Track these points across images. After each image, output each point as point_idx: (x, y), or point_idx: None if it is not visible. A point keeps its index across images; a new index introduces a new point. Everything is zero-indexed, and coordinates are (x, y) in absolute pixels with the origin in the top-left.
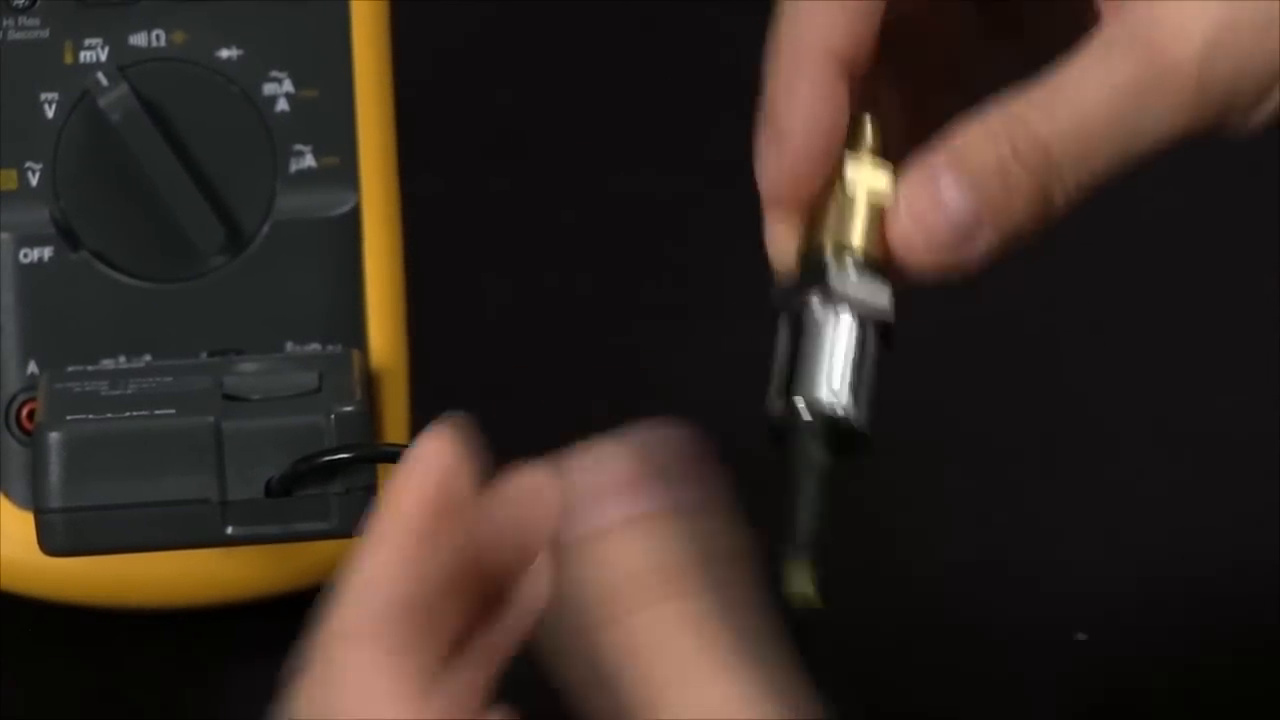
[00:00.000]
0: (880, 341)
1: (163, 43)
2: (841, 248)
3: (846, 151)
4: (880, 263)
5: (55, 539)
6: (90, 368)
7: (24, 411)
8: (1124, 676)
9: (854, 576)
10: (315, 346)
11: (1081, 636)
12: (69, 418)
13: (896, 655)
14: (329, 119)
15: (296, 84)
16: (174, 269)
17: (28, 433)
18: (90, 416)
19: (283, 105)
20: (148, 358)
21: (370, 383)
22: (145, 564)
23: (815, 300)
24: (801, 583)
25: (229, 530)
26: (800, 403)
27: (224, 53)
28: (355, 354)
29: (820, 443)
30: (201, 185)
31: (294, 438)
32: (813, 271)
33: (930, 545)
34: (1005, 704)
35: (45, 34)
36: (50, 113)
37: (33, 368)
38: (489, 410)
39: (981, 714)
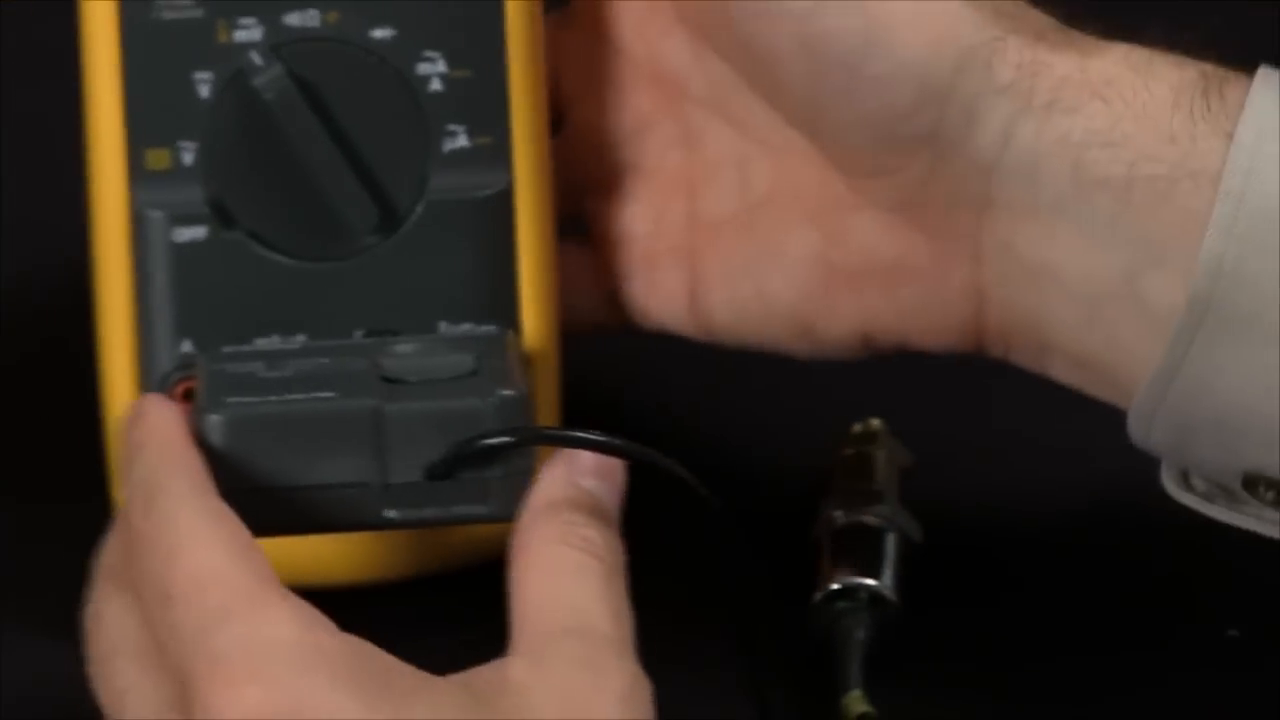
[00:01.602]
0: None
1: (316, 22)
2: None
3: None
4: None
5: None
6: (246, 348)
7: (178, 390)
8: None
9: (1006, 585)
10: (468, 326)
11: (1234, 633)
12: (229, 400)
13: (1041, 656)
14: (482, 98)
15: (450, 64)
16: (327, 248)
17: None
18: (250, 399)
19: (436, 85)
20: (302, 337)
21: (524, 364)
22: (298, 544)
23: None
24: (861, 705)
25: (389, 514)
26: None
27: (378, 32)
28: (510, 335)
29: (865, 610)
30: (355, 165)
31: (454, 421)
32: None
33: (1077, 544)
34: (1158, 705)
35: (199, 13)
36: (204, 92)
37: (187, 347)
38: (622, 391)
39: (1133, 714)
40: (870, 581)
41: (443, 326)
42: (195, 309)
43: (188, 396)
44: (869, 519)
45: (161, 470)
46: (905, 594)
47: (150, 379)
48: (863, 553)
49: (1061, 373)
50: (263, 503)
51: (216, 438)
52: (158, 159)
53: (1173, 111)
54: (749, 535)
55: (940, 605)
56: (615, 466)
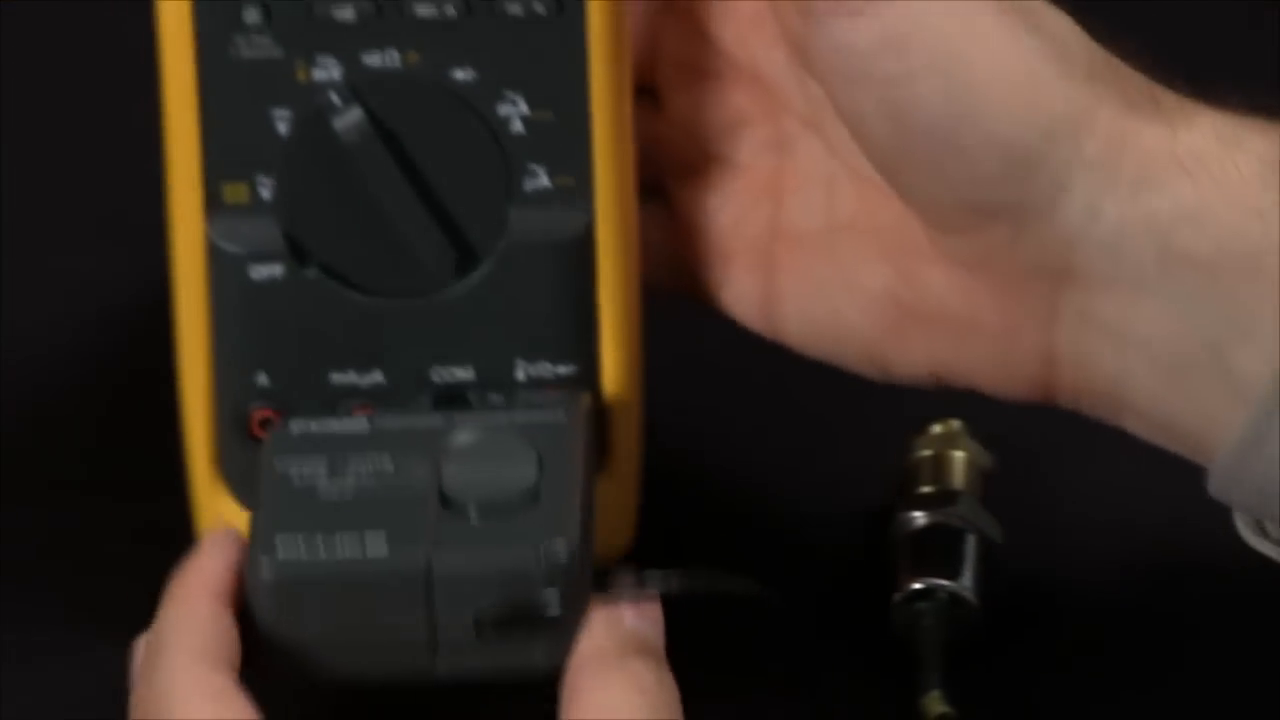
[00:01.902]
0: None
1: (396, 62)
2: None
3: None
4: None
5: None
6: (315, 427)
7: (255, 418)
8: None
9: (1087, 589)
10: (545, 365)
11: None
12: (280, 547)
13: (1120, 660)
14: (563, 139)
15: (531, 104)
16: (404, 287)
17: (255, 439)
18: (302, 546)
19: (517, 126)
20: (378, 373)
21: (602, 416)
22: None
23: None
24: (940, 706)
25: (438, 667)
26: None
27: (458, 73)
28: (578, 411)
29: (945, 611)
30: (432, 208)
31: (506, 577)
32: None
33: (1156, 551)
34: (1236, 706)
35: (279, 52)
36: (282, 129)
37: (262, 379)
38: (692, 391)
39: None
40: (950, 583)
41: (520, 364)
42: (270, 342)
43: (264, 426)
44: (949, 520)
45: (174, 632)
46: (984, 595)
47: (225, 409)
48: (943, 554)
49: (1138, 430)
50: (306, 651)
51: (266, 593)
52: (235, 193)
53: (1259, 186)
54: (823, 630)
55: (1020, 606)
56: (654, 604)
